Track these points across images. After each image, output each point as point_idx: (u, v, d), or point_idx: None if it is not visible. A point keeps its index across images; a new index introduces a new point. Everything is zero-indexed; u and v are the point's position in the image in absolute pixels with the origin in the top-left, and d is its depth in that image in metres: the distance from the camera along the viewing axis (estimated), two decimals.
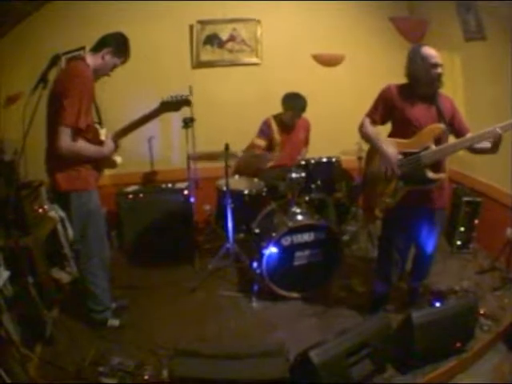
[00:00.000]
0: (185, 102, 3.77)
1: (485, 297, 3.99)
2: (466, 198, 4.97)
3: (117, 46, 3.47)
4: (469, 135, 3.32)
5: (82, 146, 3.27)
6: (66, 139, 3.15)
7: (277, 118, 5.28)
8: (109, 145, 3.51)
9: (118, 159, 3.74)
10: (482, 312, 3.63)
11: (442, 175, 3.38)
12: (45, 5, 5.20)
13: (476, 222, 5.00)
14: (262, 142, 5.20)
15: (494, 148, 3.23)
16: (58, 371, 3.08)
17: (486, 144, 3.25)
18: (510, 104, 4.18)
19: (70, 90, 3.16)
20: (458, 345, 3.26)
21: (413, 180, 3.42)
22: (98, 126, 3.57)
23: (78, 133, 3.21)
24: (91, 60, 3.41)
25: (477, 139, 3.18)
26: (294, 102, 5.09)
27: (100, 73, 3.50)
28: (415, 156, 3.36)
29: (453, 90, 4.89)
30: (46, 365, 3.14)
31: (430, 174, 3.36)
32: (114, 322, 3.70)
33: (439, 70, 3.31)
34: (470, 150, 3.40)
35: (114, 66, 3.54)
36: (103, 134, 3.56)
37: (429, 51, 3.34)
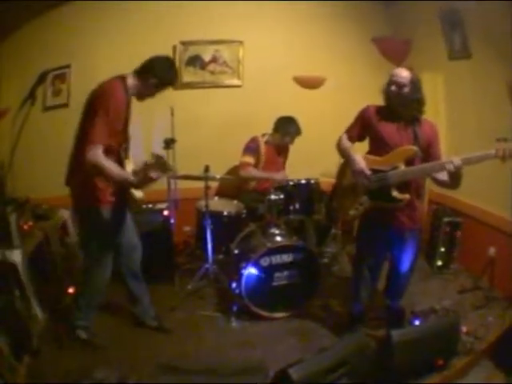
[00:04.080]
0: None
1: (467, 316, 4.03)
2: (446, 219, 5.05)
3: (162, 74, 3.48)
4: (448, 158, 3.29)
5: (107, 163, 3.21)
6: (91, 153, 3.14)
7: (268, 141, 5.30)
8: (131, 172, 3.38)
9: (138, 194, 3.56)
10: (464, 330, 3.65)
11: (406, 196, 3.41)
12: (34, 19, 5.22)
13: (456, 242, 5.06)
14: (251, 160, 5.16)
15: (453, 181, 3.27)
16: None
17: (445, 177, 3.29)
18: (494, 125, 4.25)
19: (102, 108, 3.21)
20: (440, 362, 3.28)
21: (377, 196, 3.48)
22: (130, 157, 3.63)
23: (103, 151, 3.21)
24: (133, 81, 3.45)
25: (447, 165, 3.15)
26: (290, 127, 5.16)
27: (143, 95, 3.56)
28: (383, 174, 3.42)
29: (435, 111, 4.99)
30: (33, 377, 3.13)
31: (395, 193, 3.41)
32: (82, 334, 3.68)
33: (393, 87, 3.38)
34: (434, 180, 3.47)
35: (155, 91, 3.57)
36: (129, 164, 3.56)
37: (396, 70, 3.45)
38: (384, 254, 3.77)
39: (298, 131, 5.19)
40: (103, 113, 3.20)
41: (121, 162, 3.46)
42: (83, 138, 3.24)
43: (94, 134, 3.16)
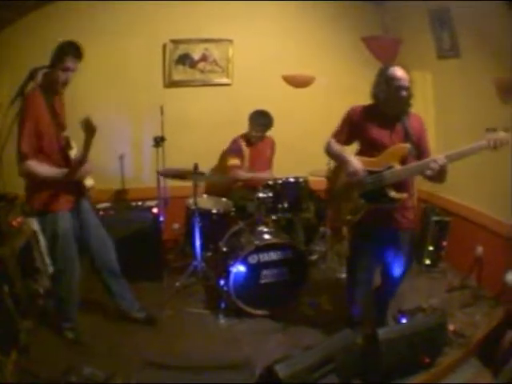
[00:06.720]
0: None
1: (455, 314, 4.05)
2: (434, 218, 5.08)
3: (52, 57, 3.27)
4: (432, 157, 3.25)
5: (36, 168, 3.23)
6: (23, 167, 3.21)
7: (244, 136, 5.39)
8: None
9: (88, 183, 3.65)
10: (452, 329, 3.68)
11: (404, 195, 3.35)
12: (25, 16, 5.16)
13: (445, 241, 5.11)
14: (237, 161, 5.26)
15: (437, 176, 3.20)
16: (31, 380, 3.10)
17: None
18: (483, 122, 4.22)
19: (21, 120, 3.19)
20: (427, 360, 3.29)
21: (374, 198, 3.38)
22: (72, 146, 3.52)
23: (32, 156, 3.22)
24: (42, 78, 3.32)
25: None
26: (260, 119, 5.22)
27: (53, 87, 3.37)
28: (378, 175, 3.32)
29: (424, 109, 5.01)
30: (21, 372, 3.14)
31: (392, 194, 3.32)
32: (69, 335, 3.71)
33: (403, 93, 3.26)
34: (424, 176, 3.33)
35: (67, 69, 3.29)
36: (73, 153, 3.49)
37: (395, 73, 3.28)
38: (379, 256, 3.63)
39: (268, 123, 5.26)
40: (22, 125, 3.18)
41: (64, 157, 3.44)
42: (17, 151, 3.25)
43: (20, 147, 3.18)
